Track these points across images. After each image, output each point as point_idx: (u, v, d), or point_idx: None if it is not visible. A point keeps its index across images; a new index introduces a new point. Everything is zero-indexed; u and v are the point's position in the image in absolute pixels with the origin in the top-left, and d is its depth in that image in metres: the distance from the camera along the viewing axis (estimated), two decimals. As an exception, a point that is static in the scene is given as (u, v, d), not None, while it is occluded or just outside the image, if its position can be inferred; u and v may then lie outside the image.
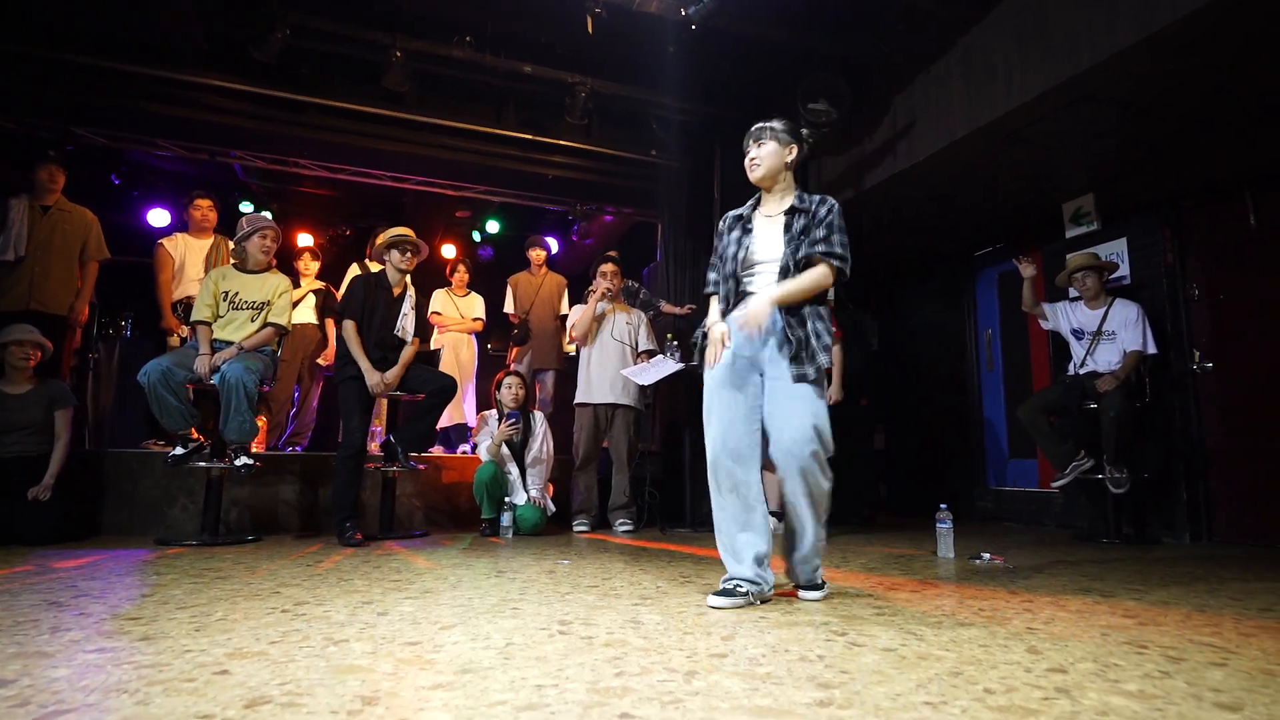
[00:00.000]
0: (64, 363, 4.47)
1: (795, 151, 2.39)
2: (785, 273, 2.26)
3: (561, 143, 5.80)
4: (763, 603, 2.16)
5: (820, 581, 2.30)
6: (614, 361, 4.68)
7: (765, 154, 2.38)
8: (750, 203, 2.49)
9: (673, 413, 5.44)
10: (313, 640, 1.64)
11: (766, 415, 2.24)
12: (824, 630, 1.77)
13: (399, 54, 4.76)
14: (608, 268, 4.82)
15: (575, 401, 4.76)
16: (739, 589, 2.11)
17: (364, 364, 3.85)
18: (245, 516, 4.27)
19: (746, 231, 2.40)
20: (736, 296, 2.35)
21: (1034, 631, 1.79)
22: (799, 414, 2.16)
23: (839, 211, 2.31)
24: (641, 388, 4.71)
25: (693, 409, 5.03)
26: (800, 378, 2.18)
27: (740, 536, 2.22)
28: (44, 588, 2.32)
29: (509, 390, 4.40)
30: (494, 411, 4.42)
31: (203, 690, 1.26)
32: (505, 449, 4.30)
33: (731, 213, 2.49)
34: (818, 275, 2.22)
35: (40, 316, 4.19)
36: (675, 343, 4.70)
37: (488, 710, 1.16)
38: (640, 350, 4.77)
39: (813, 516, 2.21)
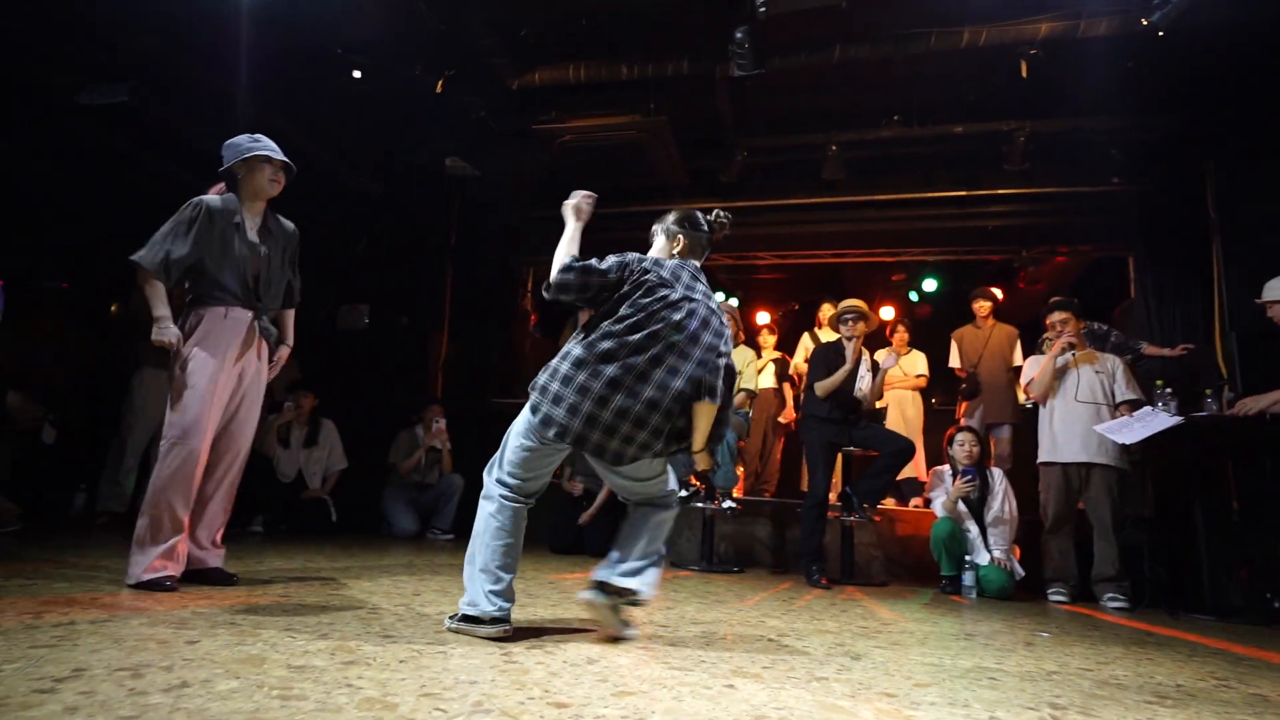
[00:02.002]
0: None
1: (680, 243, 2.14)
2: None
3: (999, 192, 5.26)
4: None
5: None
6: (1083, 415, 3.85)
7: (654, 250, 2.21)
8: None
9: (1173, 471, 4.22)
10: (797, 672, 1.70)
11: None
12: None
13: (833, 148, 4.97)
14: (1056, 317, 4.03)
15: (1039, 460, 4.02)
16: None
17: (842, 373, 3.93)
18: (730, 549, 4.72)
19: None
20: None
21: None
22: None
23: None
24: (1124, 444, 3.81)
25: (1201, 466, 3.86)
26: None
27: None
28: (605, 592, 2.92)
29: (962, 447, 4.01)
30: (947, 468, 4.07)
31: (718, 699, 1.41)
32: (962, 506, 3.90)
33: None
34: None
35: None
36: (1168, 390, 3.68)
37: (980, 785, 1.03)
38: (1119, 401, 3.85)
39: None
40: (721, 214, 2.19)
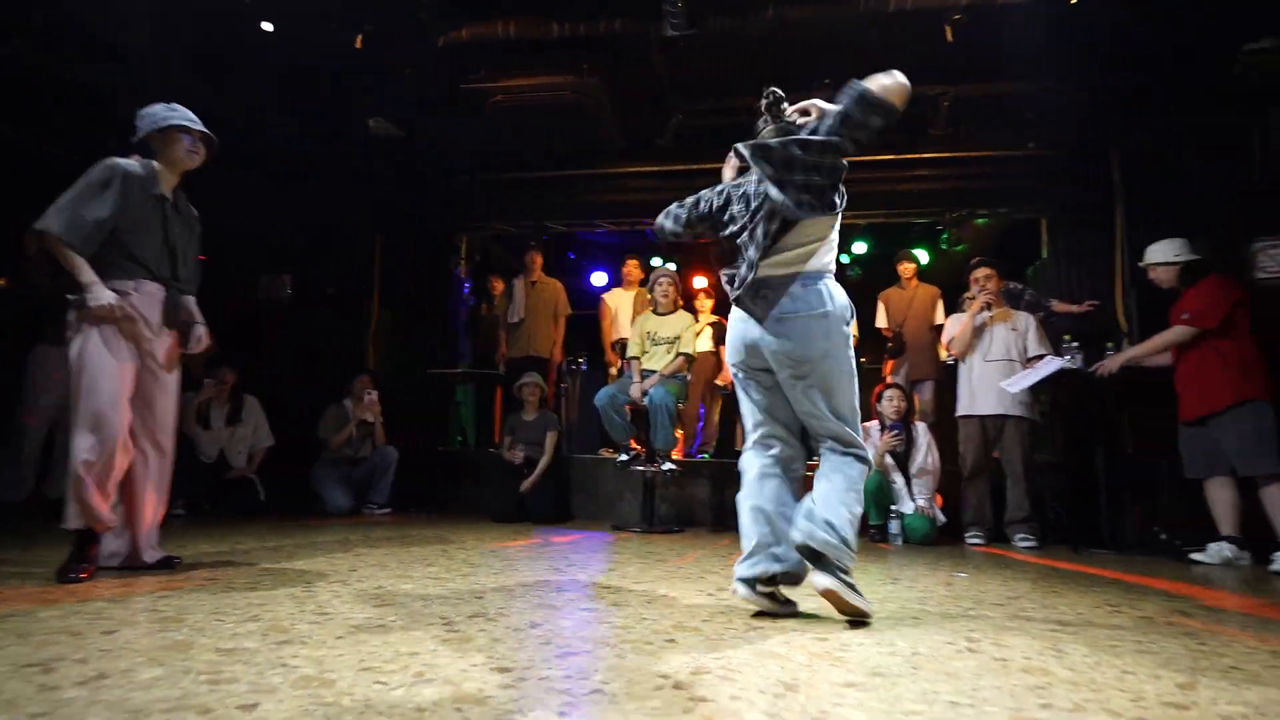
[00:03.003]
0: (549, 393, 5.64)
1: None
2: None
3: (925, 156, 5.40)
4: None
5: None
6: (998, 371, 4.09)
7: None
8: None
9: (1078, 421, 4.54)
10: (736, 624, 1.76)
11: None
12: (1338, 698, 1.28)
13: (767, 112, 4.98)
14: (980, 273, 4.24)
15: (958, 413, 4.25)
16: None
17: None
18: (671, 510, 4.81)
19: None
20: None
21: None
22: None
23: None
24: (1035, 395, 4.06)
25: (1103, 415, 4.16)
26: None
27: None
28: (549, 557, 2.93)
29: (890, 403, 4.19)
30: (875, 423, 4.25)
31: (659, 654, 1.44)
32: (889, 459, 4.09)
33: None
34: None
35: (534, 360, 5.43)
36: (1075, 344, 3.93)
37: (903, 718, 1.10)
38: (1029, 356, 4.09)
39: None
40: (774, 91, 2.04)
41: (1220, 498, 3.39)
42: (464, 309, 6.69)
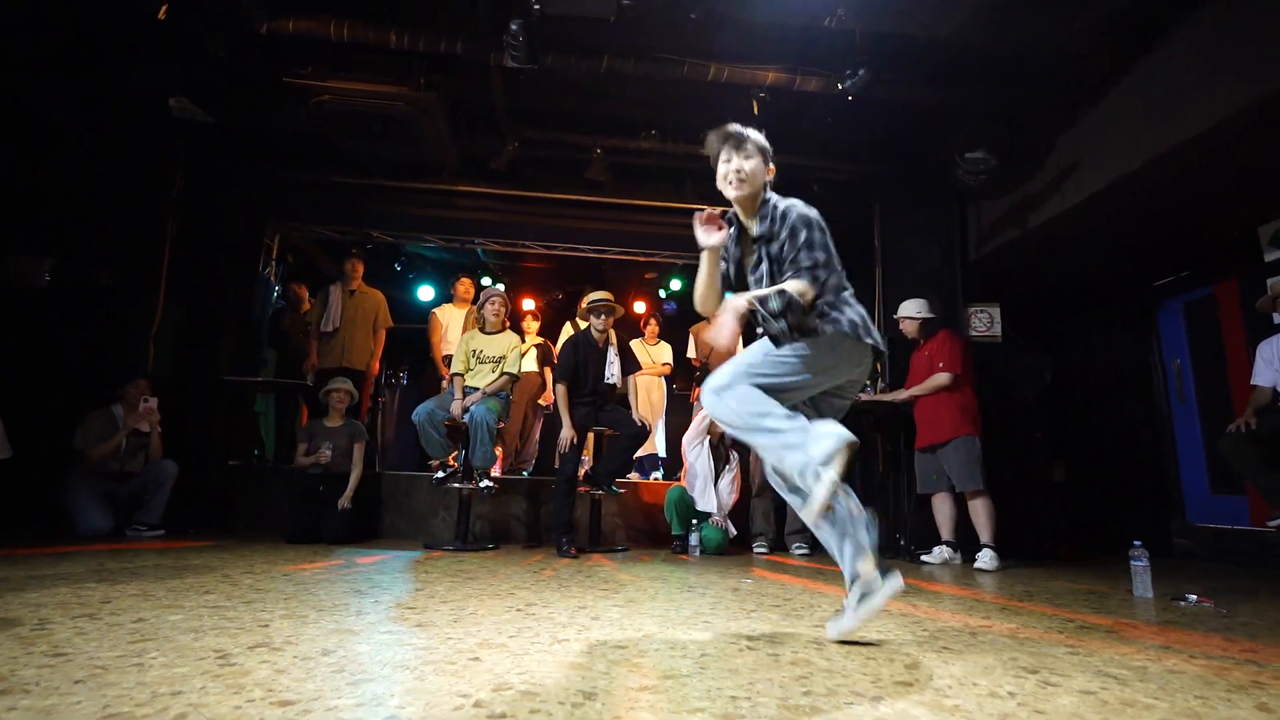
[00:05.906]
0: (363, 405, 5.21)
1: (773, 172, 2.01)
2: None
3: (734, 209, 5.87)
4: None
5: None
6: (784, 400, 4.54)
7: (752, 169, 1.91)
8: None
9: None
10: (541, 638, 1.72)
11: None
12: (1012, 666, 1.55)
13: (599, 151, 5.12)
14: None
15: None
16: None
17: (565, 418, 4.06)
18: (486, 528, 4.65)
19: (736, 241, 2.02)
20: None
21: (1263, 686, 1.44)
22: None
23: (800, 215, 1.87)
24: (811, 422, 4.53)
25: (860, 439, 4.75)
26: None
27: None
28: (351, 579, 2.67)
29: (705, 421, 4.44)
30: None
31: (461, 673, 1.37)
32: (709, 464, 4.32)
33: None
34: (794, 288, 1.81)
35: (348, 371, 4.97)
36: (843, 380, 4.48)
37: (688, 716, 1.14)
38: (810, 388, 4.58)
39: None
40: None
41: (942, 510, 4.02)
42: (270, 313, 5.99)
